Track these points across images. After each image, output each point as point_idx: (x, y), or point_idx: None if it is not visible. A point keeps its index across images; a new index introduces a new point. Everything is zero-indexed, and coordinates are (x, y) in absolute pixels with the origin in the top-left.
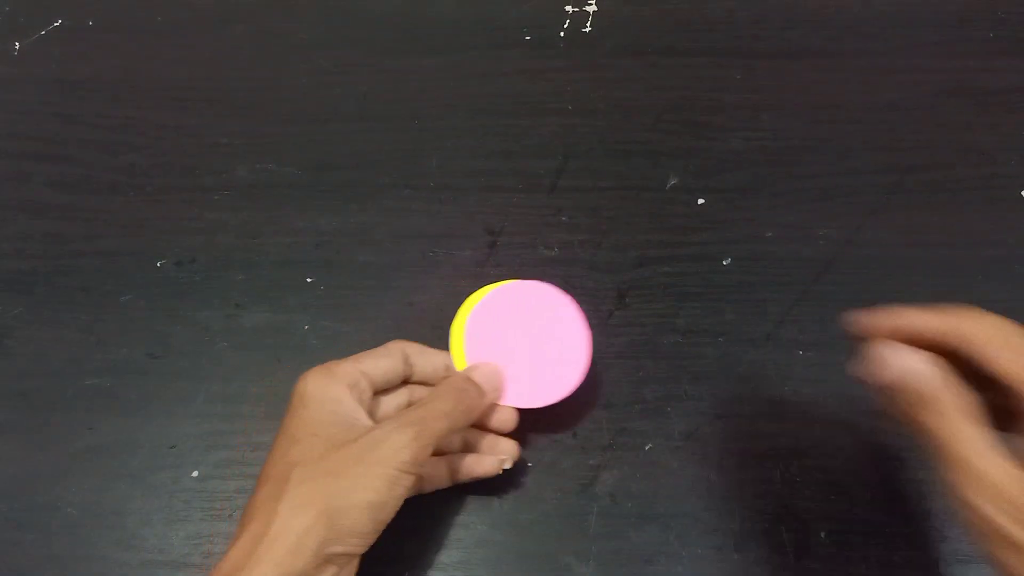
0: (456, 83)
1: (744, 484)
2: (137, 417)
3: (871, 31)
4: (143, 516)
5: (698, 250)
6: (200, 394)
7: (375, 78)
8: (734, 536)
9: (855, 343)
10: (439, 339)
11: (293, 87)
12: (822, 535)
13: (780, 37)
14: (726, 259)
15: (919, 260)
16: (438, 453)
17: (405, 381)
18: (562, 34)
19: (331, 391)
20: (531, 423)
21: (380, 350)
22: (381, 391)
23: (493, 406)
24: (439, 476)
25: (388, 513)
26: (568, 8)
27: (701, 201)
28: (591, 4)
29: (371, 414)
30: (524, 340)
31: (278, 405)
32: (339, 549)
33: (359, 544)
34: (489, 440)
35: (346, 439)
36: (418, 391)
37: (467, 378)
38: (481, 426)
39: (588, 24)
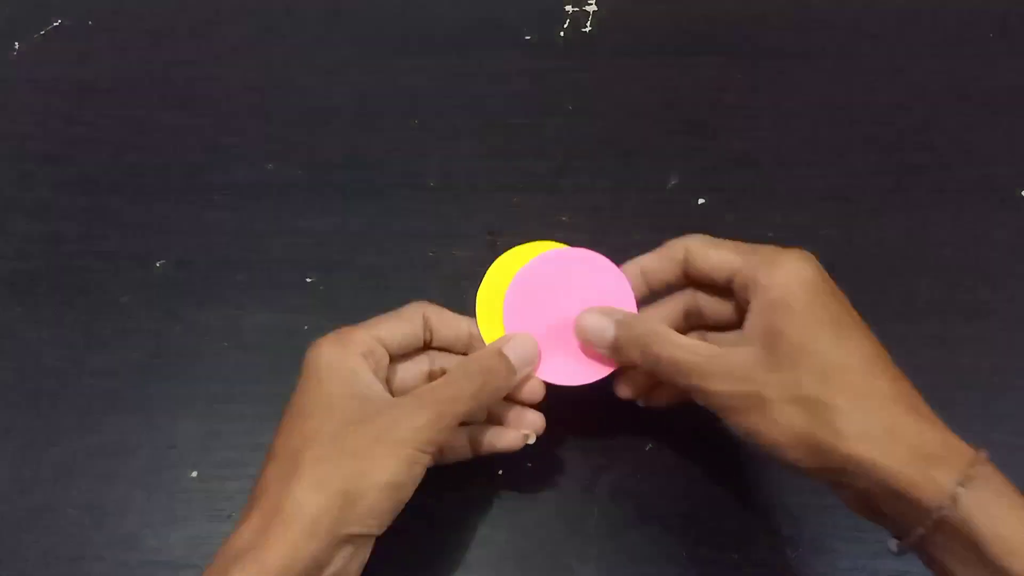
0: (456, 83)
1: (744, 484)
2: (137, 417)
3: (871, 31)
4: (143, 516)
5: None
6: (200, 394)
7: (375, 78)
8: (734, 536)
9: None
10: None
11: (293, 87)
12: (820, 535)
13: (780, 37)
14: None
15: (919, 260)
16: (461, 423)
17: (426, 346)
18: (562, 34)
19: (346, 361)
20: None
21: (398, 314)
22: (399, 358)
23: (526, 377)
24: (460, 448)
25: (407, 493)
26: (568, 8)
27: (701, 201)
28: (591, 4)
29: (388, 383)
30: (569, 312)
31: (278, 405)
32: (356, 530)
33: (376, 525)
34: (515, 412)
35: (363, 414)
36: (439, 358)
37: (498, 353)
38: (507, 397)
39: (588, 24)
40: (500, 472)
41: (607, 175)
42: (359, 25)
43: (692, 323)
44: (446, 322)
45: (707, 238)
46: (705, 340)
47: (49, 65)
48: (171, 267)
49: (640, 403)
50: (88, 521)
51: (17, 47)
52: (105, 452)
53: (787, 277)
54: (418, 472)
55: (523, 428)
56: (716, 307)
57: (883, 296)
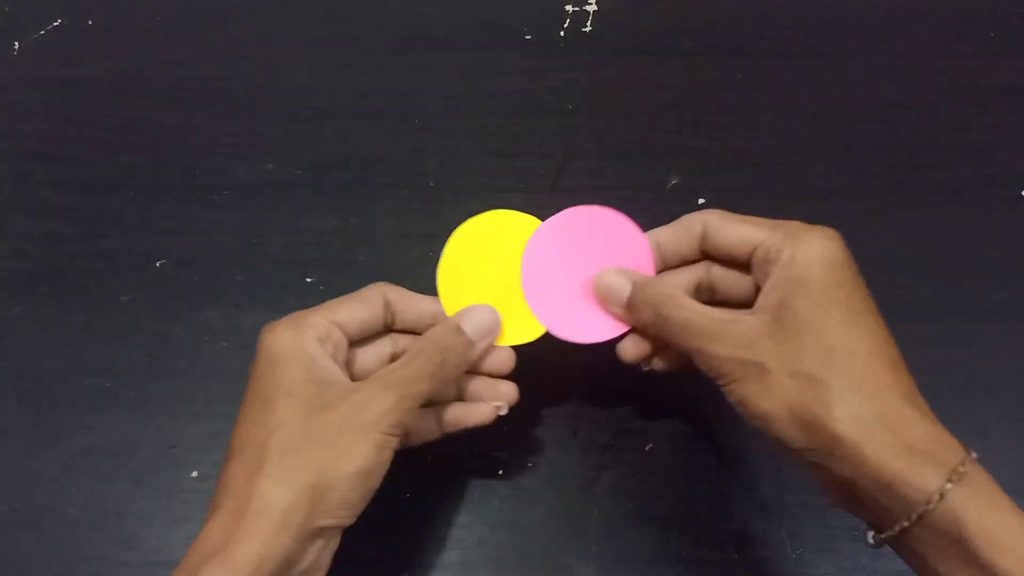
0: (456, 83)
1: (744, 484)
2: (137, 417)
3: (871, 31)
4: (143, 516)
5: None
6: (200, 394)
7: (375, 78)
8: (734, 536)
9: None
10: None
11: (293, 87)
12: (820, 535)
13: (780, 37)
14: None
15: (919, 260)
16: (427, 403)
17: (388, 329)
18: (562, 34)
19: (302, 345)
20: (530, 422)
21: (356, 296)
22: (359, 342)
23: (488, 348)
24: (427, 429)
25: (376, 479)
26: (568, 8)
27: (701, 201)
28: (591, 4)
29: (348, 367)
30: (586, 270)
31: None
32: (327, 523)
33: (347, 516)
34: (485, 384)
35: (325, 400)
36: (402, 340)
37: (455, 328)
38: (475, 370)
39: (588, 24)
40: (500, 472)
41: (607, 175)
42: (359, 25)
43: (703, 298)
44: (408, 303)
45: (726, 213)
46: None
47: (49, 65)
48: (171, 267)
49: (643, 367)
50: (88, 521)
51: (17, 47)
52: (105, 452)
53: (810, 253)
54: (386, 457)
55: (495, 400)
56: (729, 281)
57: (883, 296)
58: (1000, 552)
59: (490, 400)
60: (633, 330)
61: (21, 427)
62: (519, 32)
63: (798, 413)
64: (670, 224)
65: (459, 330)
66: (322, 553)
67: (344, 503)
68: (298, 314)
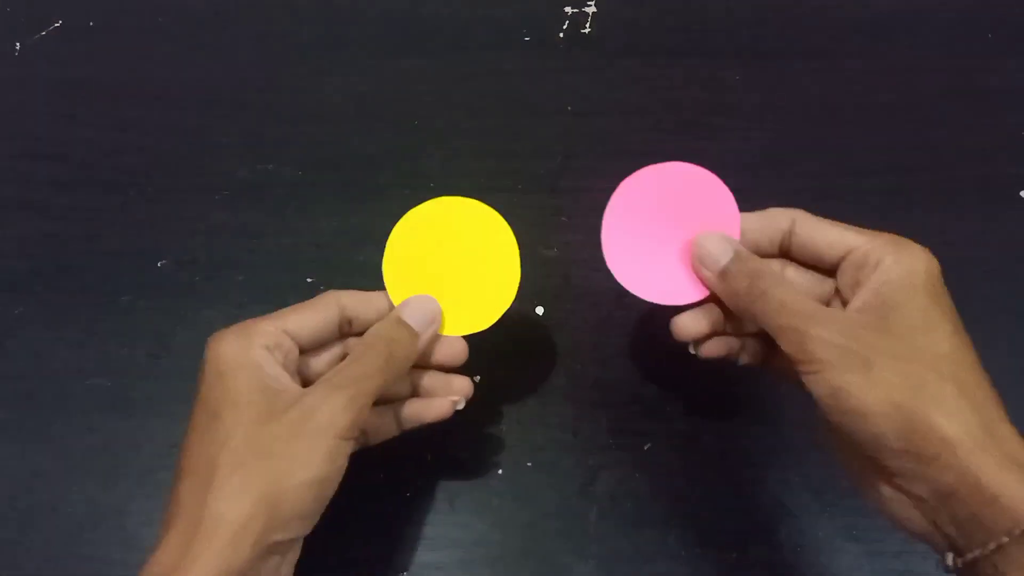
0: (456, 83)
1: (744, 484)
2: (137, 417)
3: (871, 31)
4: (143, 516)
5: None
6: None
7: (375, 78)
8: (734, 536)
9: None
10: None
11: (293, 87)
12: (820, 535)
13: (780, 37)
14: None
15: None
16: (382, 401)
17: (344, 335)
18: (562, 34)
19: (250, 355)
20: (529, 422)
21: (308, 303)
22: (311, 350)
23: (436, 340)
24: (385, 427)
25: (331, 487)
26: (568, 9)
27: None
28: (591, 5)
29: (301, 375)
30: (672, 229)
31: None
32: (283, 536)
33: (303, 527)
34: (439, 379)
35: (273, 409)
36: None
37: (396, 320)
38: (427, 365)
39: (588, 24)
40: (500, 472)
41: (607, 175)
42: (359, 25)
43: None
44: (363, 304)
45: (811, 215)
46: None
47: (49, 65)
48: (172, 267)
49: (692, 349)
50: (88, 521)
51: (18, 47)
52: (106, 452)
53: (915, 263)
54: (341, 463)
55: (451, 395)
56: (806, 284)
57: None
58: None
59: (445, 395)
60: (708, 301)
61: (22, 427)
62: (518, 33)
63: (904, 411)
64: (756, 212)
65: (401, 322)
66: (281, 566)
67: (299, 514)
68: (247, 322)
